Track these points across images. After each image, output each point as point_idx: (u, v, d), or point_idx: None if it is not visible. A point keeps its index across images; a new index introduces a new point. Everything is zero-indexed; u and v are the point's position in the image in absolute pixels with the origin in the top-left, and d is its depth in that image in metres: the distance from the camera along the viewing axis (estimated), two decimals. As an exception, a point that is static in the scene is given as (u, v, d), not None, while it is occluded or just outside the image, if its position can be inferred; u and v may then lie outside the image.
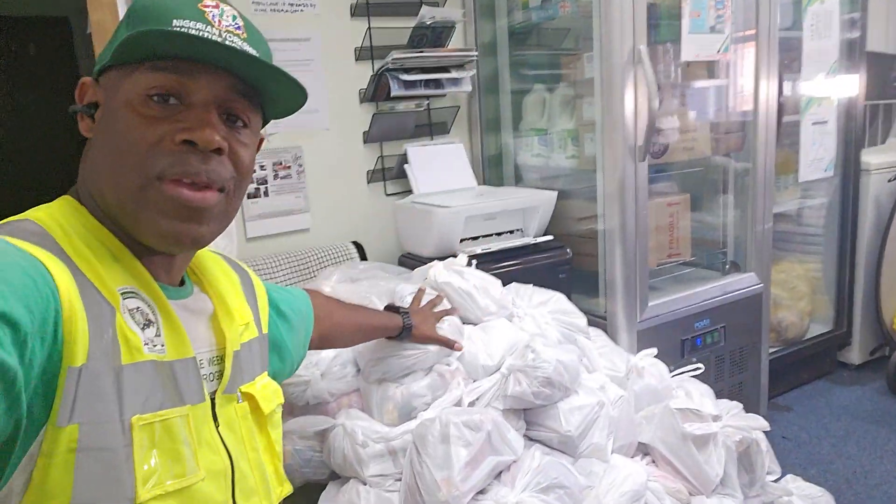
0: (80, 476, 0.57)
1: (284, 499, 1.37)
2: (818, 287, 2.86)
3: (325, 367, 1.42)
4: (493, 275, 1.84)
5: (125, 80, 0.66)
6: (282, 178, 2.03)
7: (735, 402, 1.75)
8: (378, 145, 2.19)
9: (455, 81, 2.13)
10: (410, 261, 1.98)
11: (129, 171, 0.65)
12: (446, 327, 1.41)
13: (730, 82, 2.15)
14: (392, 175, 2.22)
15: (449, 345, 1.38)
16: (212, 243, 1.43)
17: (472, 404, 1.39)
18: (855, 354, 2.89)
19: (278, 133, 2.01)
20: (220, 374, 0.76)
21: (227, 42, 0.66)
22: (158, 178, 0.65)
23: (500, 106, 2.35)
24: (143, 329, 0.66)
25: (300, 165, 2.06)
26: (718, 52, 1.95)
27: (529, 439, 1.48)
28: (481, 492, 1.21)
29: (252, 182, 1.98)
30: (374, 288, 1.61)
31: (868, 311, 2.81)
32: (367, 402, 1.41)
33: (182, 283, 0.78)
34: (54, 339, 0.56)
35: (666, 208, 2.10)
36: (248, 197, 1.99)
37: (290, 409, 1.47)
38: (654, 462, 1.53)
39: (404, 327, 1.32)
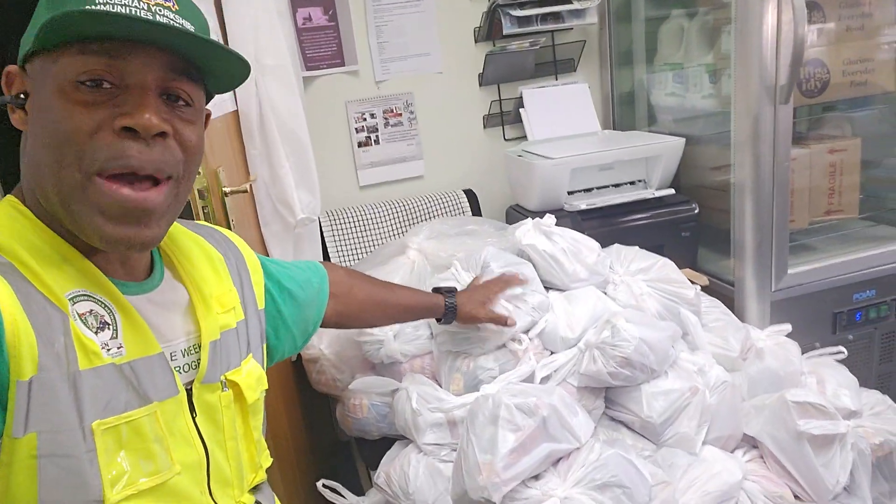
0: (43, 481, 0.57)
1: (365, 450, 1.40)
2: None
3: (398, 327, 1.41)
4: (605, 231, 1.70)
5: (52, 66, 0.62)
6: (393, 125, 2.01)
7: (885, 398, 1.47)
8: (495, 88, 2.07)
9: (577, 13, 1.92)
10: (517, 213, 1.88)
11: (68, 167, 0.61)
12: (499, 307, 1.29)
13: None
14: (510, 119, 2.10)
15: (500, 321, 1.27)
16: (296, 199, 1.47)
17: (545, 379, 1.30)
18: None
19: (388, 80, 1.97)
20: (198, 363, 0.75)
21: (157, 18, 0.61)
22: (99, 173, 0.61)
23: (632, 38, 2.09)
24: (96, 333, 0.64)
25: (412, 112, 2.02)
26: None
27: (611, 419, 1.37)
28: (535, 477, 1.14)
29: (362, 131, 1.99)
30: (462, 247, 1.55)
31: None
32: (438, 368, 1.38)
33: (151, 270, 0.76)
34: (1, 348, 0.55)
35: (826, 156, 1.75)
36: (359, 146, 2.00)
37: (371, 365, 1.50)
38: (761, 458, 1.34)
39: (447, 309, 1.24)
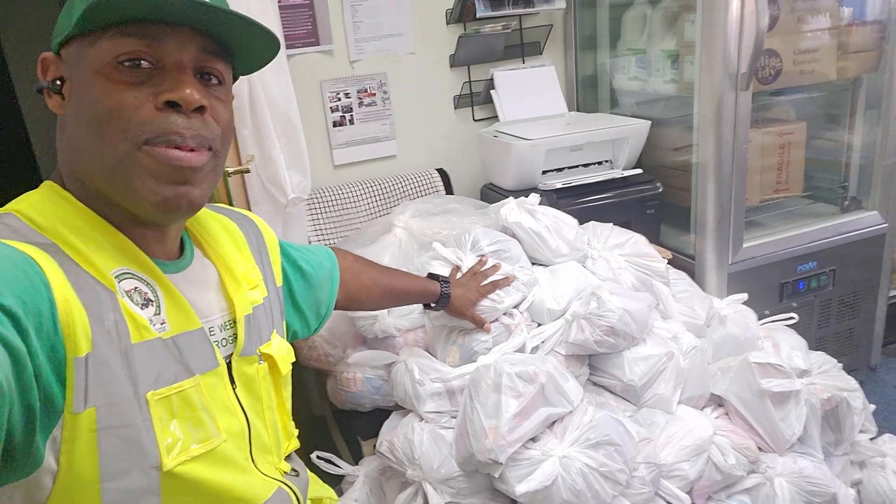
0: (104, 452, 0.60)
1: (356, 422, 1.46)
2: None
3: (392, 303, 1.46)
4: (577, 209, 1.79)
5: (90, 49, 0.64)
6: (367, 105, 2.04)
7: (829, 358, 1.63)
8: (465, 69, 2.12)
9: (547, -2, 1.99)
10: (492, 192, 1.95)
11: (114, 140, 0.63)
12: (485, 305, 1.36)
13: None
14: (480, 100, 2.16)
15: (479, 324, 1.35)
16: (287, 179, 1.49)
17: (534, 349, 1.39)
18: None
19: (362, 60, 1.99)
20: (235, 337, 0.78)
21: None
22: (145, 143, 0.64)
23: (597, 23, 2.18)
24: (142, 309, 0.66)
25: (385, 92, 2.05)
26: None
27: (594, 384, 1.48)
28: (532, 439, 1.22)
29: (337, 111, 2.01)
30: (446, 225, 1.61)
31: None
32: (432, 341, 1.44)
33: (182, 250, 0.78)
34: (54, 331, 0.57)
35: (776, 138, 1.90)
36: (334, 125, 2.02)
37: (362, 340, 1.55)
38: (726, 415, 1.48)
39: (441, 297, 1.30)
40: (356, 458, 1.62)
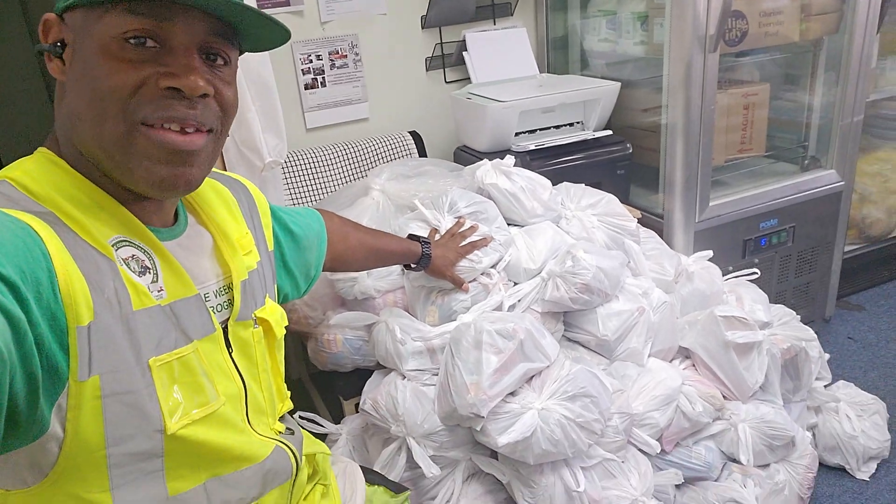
0: (109, 419, 0.61)
1: (337, 382, 1.49)
2: (916, 180, 2.63)
3: (371, 265, 1.48)
4: (550, 170, 1.82)
5: (97, 22, 0.63)
6: (338, 67, 2.02)
7: (788, 311, 1.72)
8: (437, 30, 2.11)
9: (517, -42, 1.98)
10: (465, 154, 1.97)
11: (112, 118, 0.63)
12: (464, 265, 1.39)
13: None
14: (452, 62, 2.16)
15: (458, 284, 1.38)
16: (263, 143, 1.48)
17: (511, 308, 1.43)
18: (947, 253, 2.70)
19: (334, 20, 1.97)
20: (230, 302, 0.79)
21: None
22: (143, 123, 0.63)
23: (567, -16, 2.19)
24: (139, 276, 0.66)
25: (357, 54, 2.03)
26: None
27: (568, 339, 1.53)
28: (511, 393, 1.27)
29: (308, 73, 1.98)
30: (422, 187, 1.62)
31: (970, 207, 2.58)
32: (411, 302, 1.47)
33: (176, 217, 0.78)
34: (55, 301, 0.56)
35: (741, 99, 1.95)
36: (306, 87, 2.00)
37: (341, 301, 1.57)
38: (694, 366, 1.55)
39: (422, 257, 1.32)
40: (336, 417, 1.65)
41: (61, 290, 0.57)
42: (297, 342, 1.74)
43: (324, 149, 2.00)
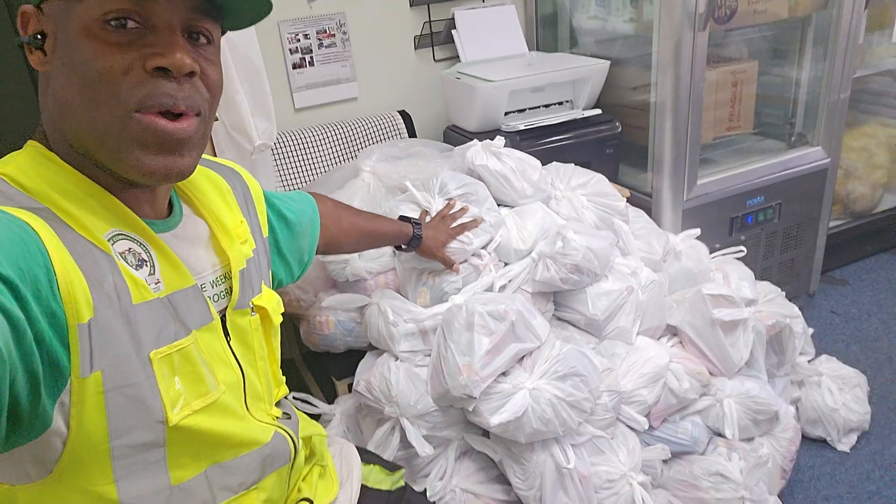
0: (112, 412, 0.61)
1: (329, 362, 1.50)
2: (900, 155, 2.66)
3: (363, 247, 1.49)
4: (539, 150, 1.83)
5: (75, 6, 0.61)
6: (326, 46, 2.00)
7: (774, 287, 1.75)
8: (425, 8, 2.09)
9: (506, -66, 1.96)
10: (455, 134, 1.97)
11: (105, 104, 0.62)
12: (454, 246, 1.40)
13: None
14: (440, 40, 2.14)
15: (448, 265, 1.39)
16: (253, 126, 1.48)
17: (502, 288, 1.44)
18: (929, 227, 2.74)
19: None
20: (228, 290, 0.79)
21: None
22: (137, 110, 0.62)
23: (556, -40, 2.17)
24: (137, 269, 0.67)
25: (345, 33, 2.01)
26: None
27: (558, 319, 1.55)
28: (503, 374, 1.29)
29: (296, 52, 1.97)
30: (413, 168, 1.63)
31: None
32: (403, 283, 1.48)
33: (170, 208, 0.78)
34: (54, 298, 0.56)
35: (729, 76, 1.96)
36: (294, 67, 1.98)
37: (333, 283, 1.58)
38: (681, 343, 1.58)
39: (413, 238, 1.33)
40: (329, 397, 1.68)
41: (60, 288, 0.57)
42: (290, 323, 1.75)
43: (313, 129, 1.99)
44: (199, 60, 0.67)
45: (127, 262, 0.66)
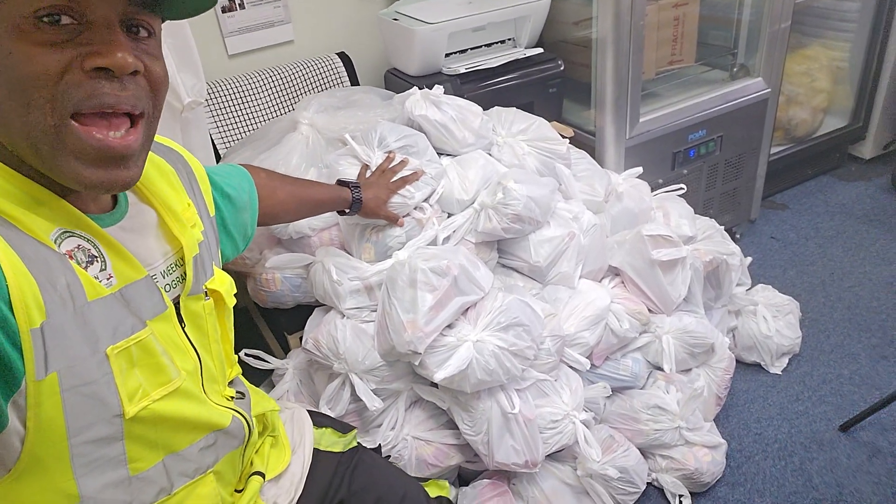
0: (69, 410, 0.61)
1: (280, 318, 1.50)
2: (840, 77, 2.70)
3: (304, 204, 1.47)
4: (481, 93, 1.80)
5: (2, 4, 0.57)
6: (256, -13, 1.90)
7: (712, 223, 1.79)
8: (359, -59, 1.99)
9: None
10: (396, 78, 1.92)
11: (38, 110, 0.58)
12: (396, 201, 1.39)
13: None
14: (377, -25, 2.05)
15: (392, 220, 1.39)
16: (180, 82, 1.42)
17: (446, 240, 1.45)
18: (868, 148, 2.82)
19: (246, -65, 1.83)
20: (181, 277, 0.79)
21: None
22: (74, 115, 0.60)
23: None
24: (87, 267, 0.66)
25: (275, -29, 1.91)
26: None
27: (502, 266, 1.58)
28: (448, 326, 1.32)
29: (224, -5, 1.87)
30: (352, 119, 1.59)
31: (890, 101, 2.68)
32: (347, 239, 1.48)
33: (115, 199, 0.75)
34: (4, 304, 0.56)
35: (671, 10, 1.93)
36: (223, 11, 1.89)
37: (277, 241, 1.57)
38: (622, 283, 1.62)
39: (353, 202, 1.32)
40: (285, 349, 1.69)
41: (11, 294, 0.57)
42: (242, 278, 1.75)
43: (248, 76, 1.92)
44: (141, 57, 0.63)
45: (77, 261, 0.65)
